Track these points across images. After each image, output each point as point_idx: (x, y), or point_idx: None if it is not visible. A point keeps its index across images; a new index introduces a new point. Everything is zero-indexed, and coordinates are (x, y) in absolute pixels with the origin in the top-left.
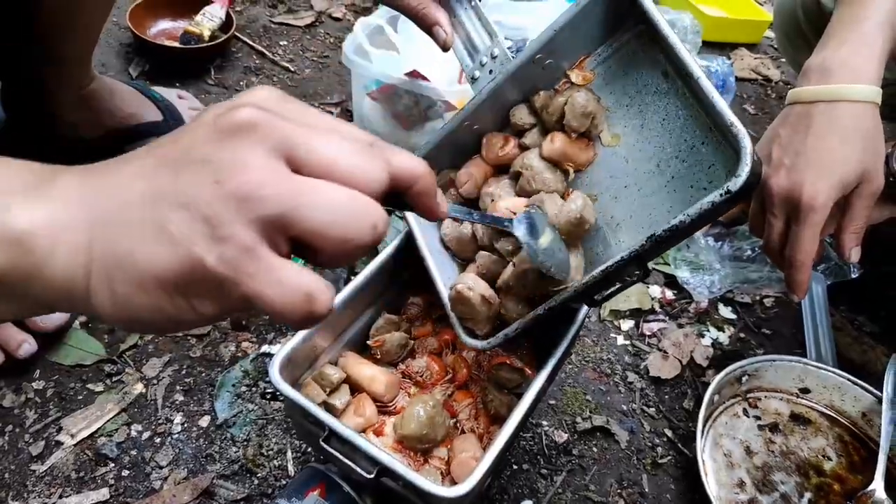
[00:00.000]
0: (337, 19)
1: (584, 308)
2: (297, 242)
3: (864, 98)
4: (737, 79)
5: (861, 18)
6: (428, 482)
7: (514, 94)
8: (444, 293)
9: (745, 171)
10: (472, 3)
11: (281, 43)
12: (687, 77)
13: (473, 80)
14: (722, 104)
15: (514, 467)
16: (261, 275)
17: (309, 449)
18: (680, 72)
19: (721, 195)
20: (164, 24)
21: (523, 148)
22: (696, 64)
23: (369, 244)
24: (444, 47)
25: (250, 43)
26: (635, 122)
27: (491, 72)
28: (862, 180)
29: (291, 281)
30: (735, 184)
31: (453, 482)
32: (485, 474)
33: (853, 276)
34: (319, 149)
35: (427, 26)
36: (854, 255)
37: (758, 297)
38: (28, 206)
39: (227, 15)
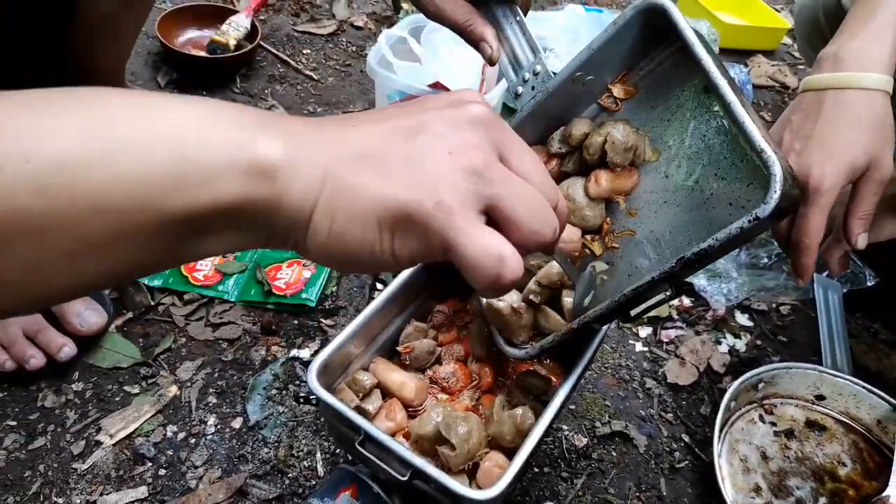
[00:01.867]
0: (358, 28)
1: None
2: (494, 219)
3: (874, 86)
4: (754, 86)
5: (874, 13)
6: (459, 485)
7: (556, 110)
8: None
9: (773, 198)
10: (518, 19)
11: (304, 51)
12: (721, 98)
13: (517, 95)
14: (753, 129)
15: (536, 470)
16: (466, 228)
17: (338, 450)
18: (717, 90)
19: (749, 221)
20: (192, 34)
21: (563, 172)
22: (729, 88)
23: (549, 244)
24: (491, 62)
25: (274, 52)
26: (676, 138)
27: (533, 88)
28: (870, 166)
29: (489, 241)
30: (763, 210)
31: (479, 486)
32: (513, 479)
33: (869, 283)
34: (525, 160)
35: (474, 41)
36: (861, 241)
37: (774, 305)
38: (270, 140)
39: (252, 24)
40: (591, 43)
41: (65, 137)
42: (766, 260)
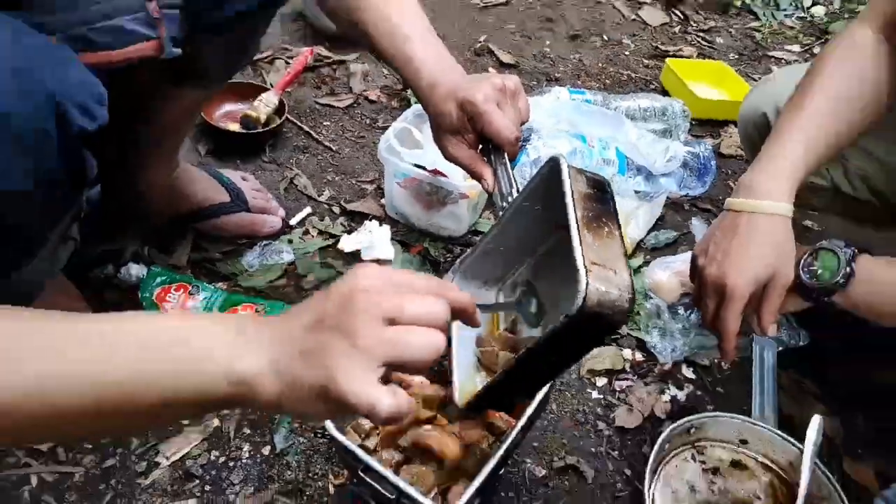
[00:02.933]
0: (372, 101)
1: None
2: (392, 366)
3: (777, 212)
4: (723, 155)
5: (779, 155)
6: (425, 499)
7: (520, 225)
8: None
9: (577, 302)
10: (504, 161)
11: (324, 123)
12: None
13: (500, 214)
14: (578, 253)
15: (502, 495)
16: (359, 390)
17: (345, 473)
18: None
19: (561, 320)
20: (228, 107)
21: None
22: (575, 225)
23: (435, 362)
24: (488, 192)
25: (298, 124)
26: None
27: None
28: (773, 276)
29: (373, 396)
30: (571, 310)
31: None
32: (471, 496)
33: (802, 343)
34: (406, 310)
35: (476, 177)
36: (771, 330)
37: (716, 360)
38: (244, 357)
39: (280, 101)
40: (516, 198)
41: (123, 370)
42: None
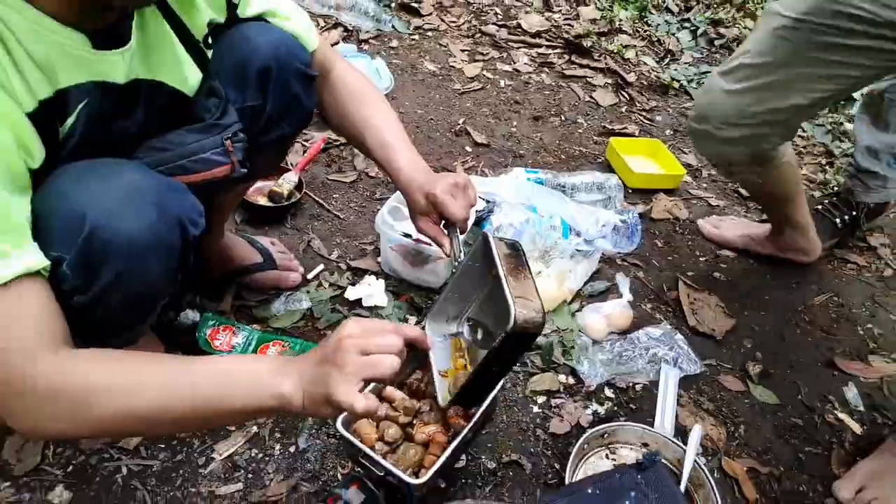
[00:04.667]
0: (372, 177)
1: (497, 390)
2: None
3: None
4: (653, 219)
5: None
6: (405, 475)
7: (467, 277)
8: (436, 375)
9: (510, 324)
10: (457, 233)
11: (334, 195)
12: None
13: (454, 271)
14: (507, 292)
15: (464, 481)
16: (348, 397)
17: (349, 464)
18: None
19: (500, 338)
20: (258, 184)
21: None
22: (503, 275)
23: (396, 374)
24: (446, 255)
25: (313, 196)
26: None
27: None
28: None
29: (355, 400)
30: (507, 330)
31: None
32: (433, 474)
33: (698, 371)
34: (371, 345)
35: (438, 245)
36: None
37: (630, 384)
38: (285, 382)
39: (300, 179)
40: (463, 259)
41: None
42: (629, 353)
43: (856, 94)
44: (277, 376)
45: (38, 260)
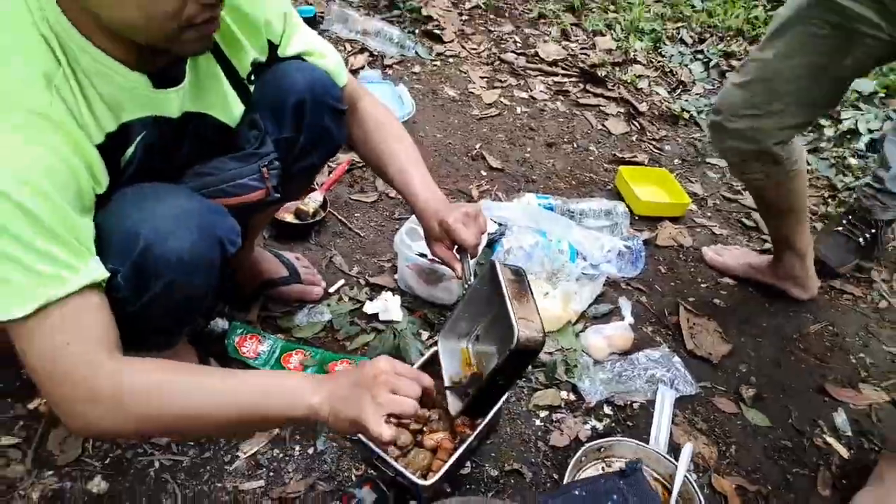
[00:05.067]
0: (391, 198)
1: (501, 402)
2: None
3: None
4: (658, 246)
5: None
6: (415, 477)
7: (476, 299)
8: (447, 380)
9: (513, 343)
10: (469, 258)
11: (356, 215)
12: (502, 304)
13: (464, 293)
14: (510, 312)
15: (468, 487)
16: (374, 426)
17: (363, 466)
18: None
19: (506, 354)
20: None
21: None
22: (509, 302)
23: (413, 414)
24: (458, 278)
25: (336, 215)
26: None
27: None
28: None
29: (381, 430)
30: (511, 348)
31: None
32: (440, 477)
33: (693, 392)
34: (400, 388)
35: (451, 268)
36: None
37: (629, 402)
38: (314, 396)
39: (324, 198)
40: (473, 283)
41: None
42: (628, 372)
43: (892, 115)
44: (309, 390)
45: (101, 272)
